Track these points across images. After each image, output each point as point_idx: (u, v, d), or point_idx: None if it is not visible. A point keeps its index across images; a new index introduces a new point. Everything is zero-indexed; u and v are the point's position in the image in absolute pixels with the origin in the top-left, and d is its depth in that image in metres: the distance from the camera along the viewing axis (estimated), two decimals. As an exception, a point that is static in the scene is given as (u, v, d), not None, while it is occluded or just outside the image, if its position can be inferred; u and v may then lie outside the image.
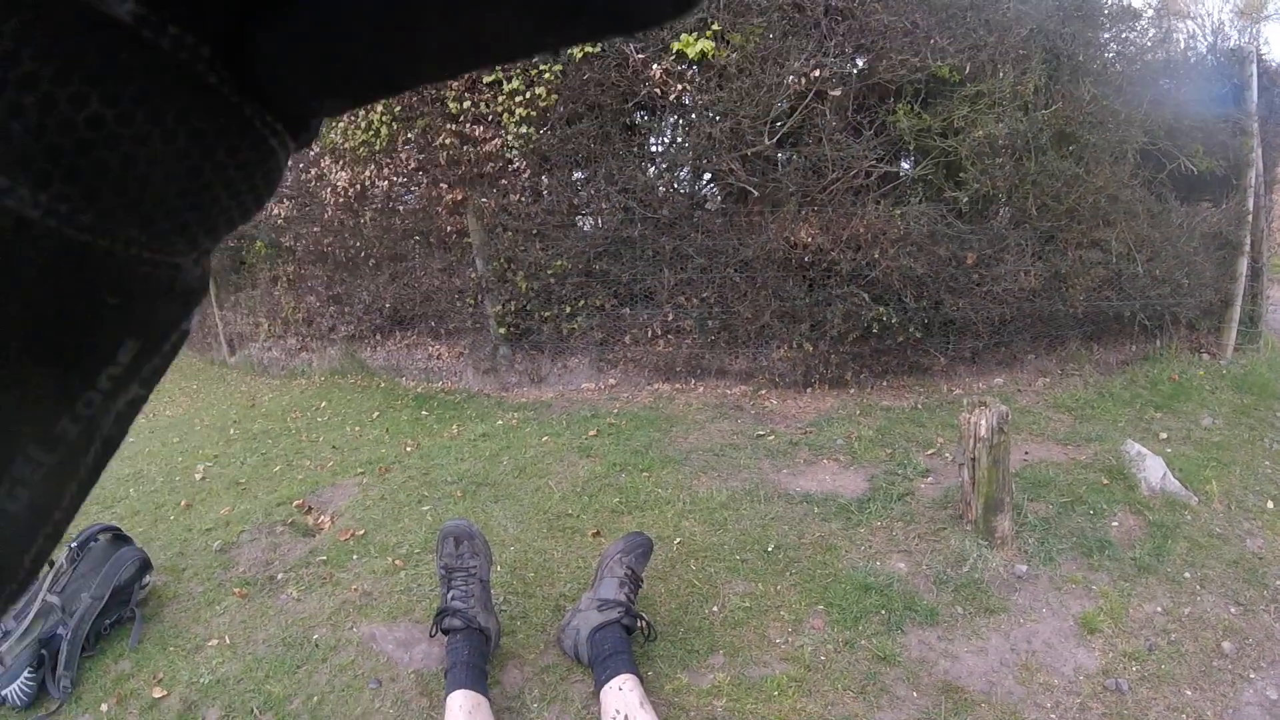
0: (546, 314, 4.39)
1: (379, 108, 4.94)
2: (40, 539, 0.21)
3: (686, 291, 4.05)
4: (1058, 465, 3.27)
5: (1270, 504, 3.02)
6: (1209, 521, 2.83)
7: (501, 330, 4.54)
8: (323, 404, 5.36)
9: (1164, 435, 3.74)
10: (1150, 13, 4.88)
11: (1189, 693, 1.96)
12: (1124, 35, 4.50)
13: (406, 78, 0.21)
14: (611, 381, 4.39)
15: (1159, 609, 2.29)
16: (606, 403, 4.23)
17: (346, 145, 5.32)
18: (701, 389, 4.21)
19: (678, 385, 4.20)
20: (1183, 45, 5.04)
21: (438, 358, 5.04)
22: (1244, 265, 5.18)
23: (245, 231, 6.94)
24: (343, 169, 5.41)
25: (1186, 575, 2.47)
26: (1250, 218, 5.17)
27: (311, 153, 5.64)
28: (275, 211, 6.20)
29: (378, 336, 5.53)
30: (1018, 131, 3.77)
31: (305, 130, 0.23)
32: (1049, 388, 4.27)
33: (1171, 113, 4.43)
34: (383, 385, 5.35)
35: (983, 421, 2.45)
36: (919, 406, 3.90)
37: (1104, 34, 4.29)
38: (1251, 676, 2.05)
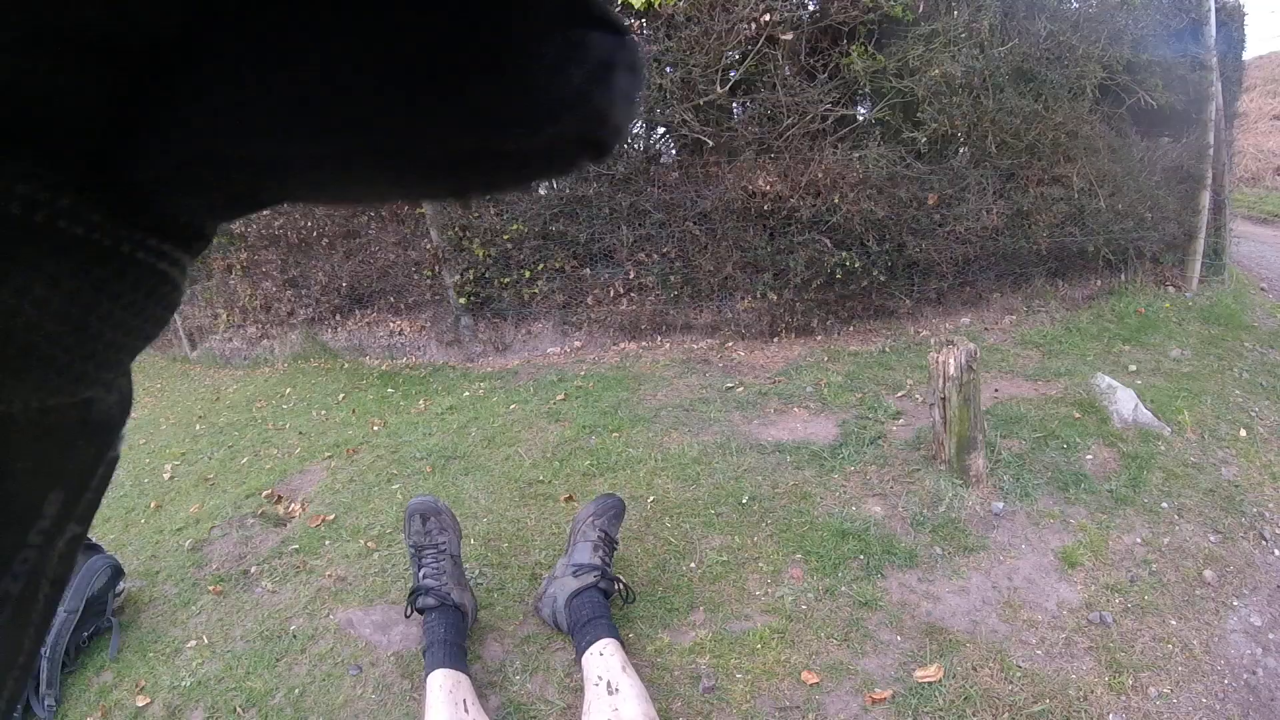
0: (506, 280, 4.29)
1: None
2: (10, 683, 0.22)
3: (646, 248, 3.97)
4: (1028, 401, 3.27)
5: (1243, 432, 3.04)
6: (1183, 451, 2.84)
7: (462, 300, 4.43)
8: (287, 390, 5.25)
9: (1133, 368, 3.75)
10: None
11: (1173, 622, 1.96)
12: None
13: (298, 201, 0.21)
14: (577, 344, 4.31)
15: (1138, 540, 2.29)
16: (573, 366, 4.16)
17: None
18: (668, 345, 4.15)
19: (644, 343, 4.14)
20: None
21: (400, 333, 4.93)
22: (1206, 199, 5.20)
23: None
24: (289, 146, 5.23)
25: (1164, 505, 2.47)
26: (1211, 151, 5.17)
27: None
28: (224, 196, 6.00)
29: (338, 317, 5.39)
30: (974, 70, 3.71)
31: (200, 239, 0.22)
32: (1016, 325, 4.27)
33: (1130, 48, 4.38)
34: (347, 366, 5.24)
35: (951, 360, 2.42)
36: (886, 350, 3.88)
37: (1058, -34, 4.22)
38: (1234, 604, 2.06)
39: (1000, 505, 2.43)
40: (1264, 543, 2.36)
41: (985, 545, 2.25)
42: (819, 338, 3.98)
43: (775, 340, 3.98)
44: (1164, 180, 4.87)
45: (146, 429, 5.27)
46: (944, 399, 2.48)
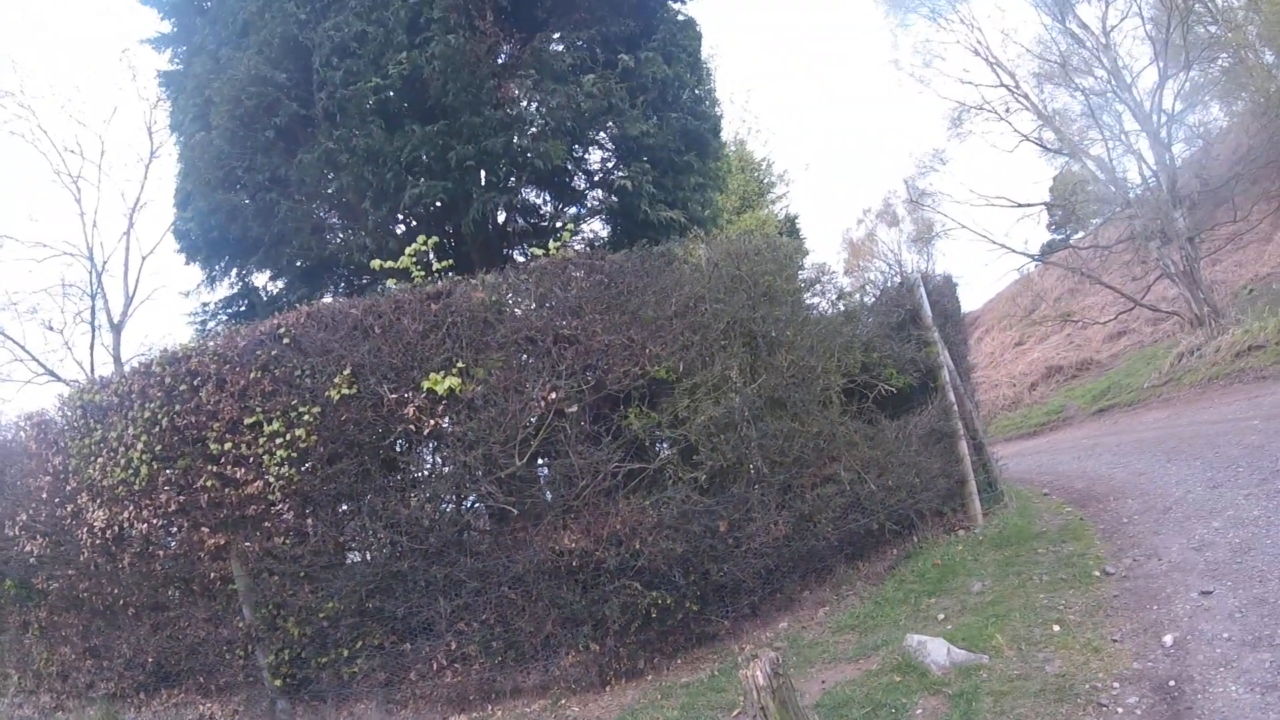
0: (324, 660, 4.21)
1: (139, 445, 4.74)
2: None
3: (465, 617, 4.08)
4: (852, 682, 3.47)
5: (1056, 627, 3.35)
6: (1006, 669, 3.09)
7: (277, 682, 4.26)
8: (83, 783, 4.64)
9: (941, 616, 4.07)
10: (840, 264, 5.97)
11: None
12: (807, 301, 5.42)
13: None
14: (403, 724, 4.19)
15: (983, 767, 2.39)
16: (400, 749, 4.01)
17: (104, 483, 5.00)
18: (499, 713, 4.13)
19: (473, 714, 4.10)
20: (862, 297, 6.13)
21: (210, 718, 4.58)
22: (964, 446, 6.07)
23: (-9, 566, 6.15)
24: (100, 508, 5.04)
25: (999, 724, 2.62)
26: (955, 406, 6.14)
27: (67, 488, 5.22)
28: (27, 549, 5.57)
29: (142, 695, 4.96)
30: (734, 408, 4.34)
31: None
32: (830, 615, 4.59)
33: (862, 351, 5.30)
34: (151, 757, 4.74)
35: (759, 672, 2.62)
36: (715, 673, 4.04)
37: (788, 308, 5.09)
38: (1092, 777, 2.16)
39: (815, 791, 2.54)
40: (1104, 708, 2.54)
41: (834, 836, 2.27)
42: (649, 677, 4.14)
43: (607, 689, 4.08)
44: (922, 446, 5.64)
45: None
46: (763, 708, 2.63)
